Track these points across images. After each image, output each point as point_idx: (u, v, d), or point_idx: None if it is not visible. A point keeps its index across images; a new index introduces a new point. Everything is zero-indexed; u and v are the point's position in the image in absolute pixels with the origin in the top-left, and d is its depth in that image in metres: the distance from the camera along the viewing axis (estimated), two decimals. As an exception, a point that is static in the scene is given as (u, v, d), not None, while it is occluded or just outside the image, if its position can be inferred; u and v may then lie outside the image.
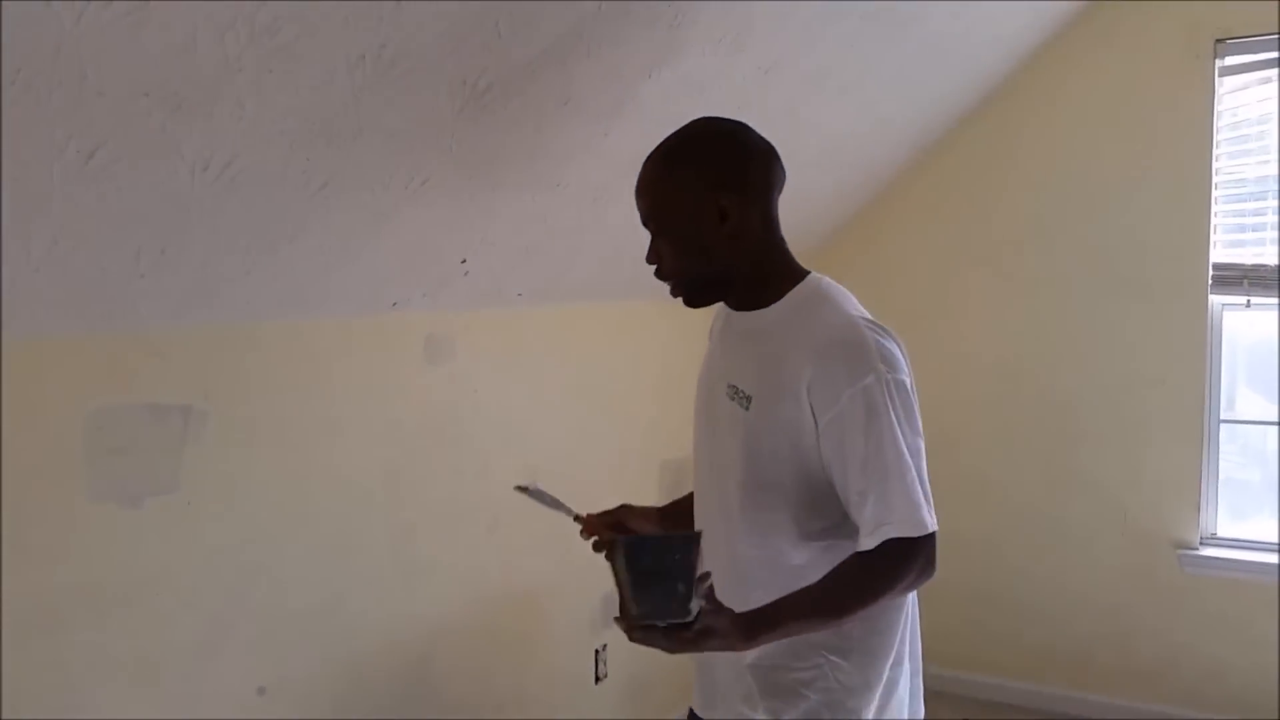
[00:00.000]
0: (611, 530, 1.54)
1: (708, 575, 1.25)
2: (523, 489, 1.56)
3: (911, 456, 1.32)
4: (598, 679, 2.84)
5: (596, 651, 2.84)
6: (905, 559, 1.32)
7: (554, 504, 1.57)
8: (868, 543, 1.31)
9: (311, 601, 1.98)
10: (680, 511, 1.64)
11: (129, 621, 1.66)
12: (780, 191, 1.45)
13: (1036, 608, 3.51)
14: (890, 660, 1.44)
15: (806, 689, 1.41)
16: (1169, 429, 3.27)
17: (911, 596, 1.48)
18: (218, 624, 1.81)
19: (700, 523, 1.53)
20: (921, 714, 1.53)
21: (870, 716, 1.41)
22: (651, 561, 1.20)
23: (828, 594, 1.32)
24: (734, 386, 1.43)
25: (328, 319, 2.01)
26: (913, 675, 1.51)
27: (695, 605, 1.20)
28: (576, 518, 1.57)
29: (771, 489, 1.40)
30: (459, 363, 2.33)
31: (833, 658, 1.40)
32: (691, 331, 3.41)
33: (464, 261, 2.12)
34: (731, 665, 1.47)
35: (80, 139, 1.23)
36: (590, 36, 1.71)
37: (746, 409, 1.40)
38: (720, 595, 1.28)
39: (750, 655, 1.41)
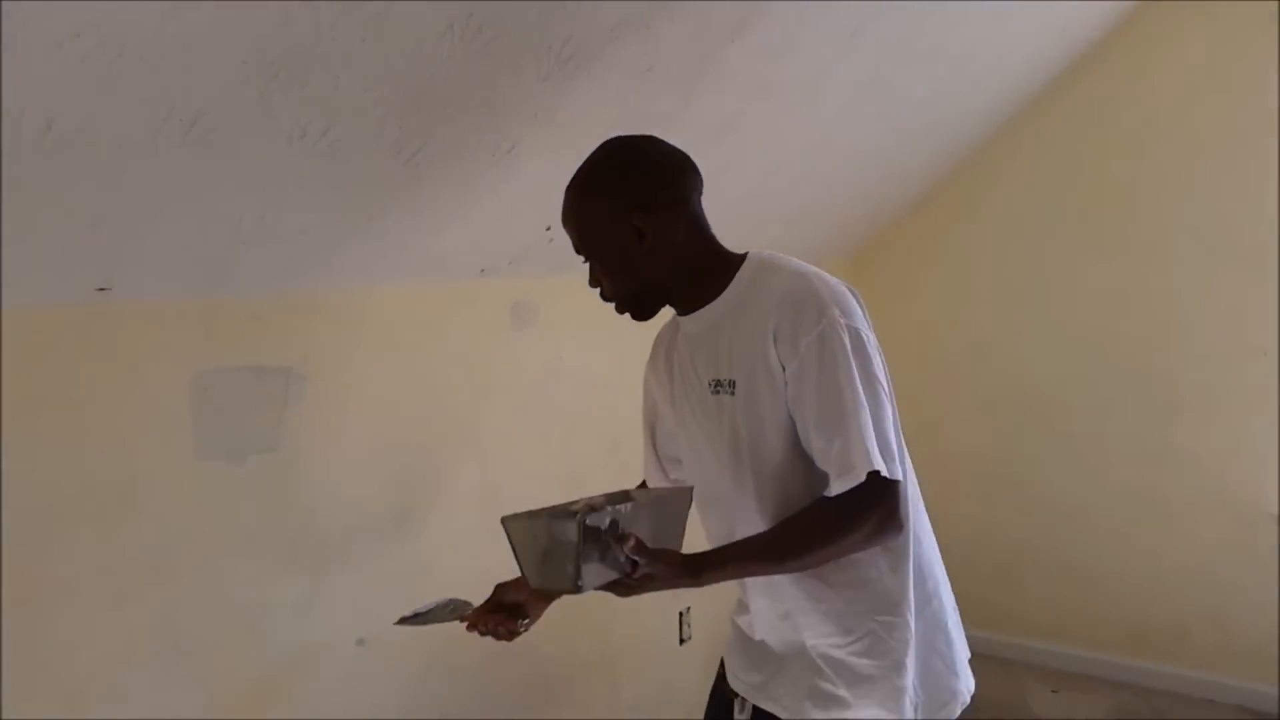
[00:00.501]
0: (495, 611, 1.55)
1: (629, 536, 1.28)
2: (404, 621, 1.56)
3: (870, 403, 1.33)
4: (682, 640, 2.87)
5: (680, 614, 2.87)
6: (862, 506, 1.33)
7: (440, 617, 1.56)
8: (833, 488, 1.34)
9: (405, 559, 2.04)
10: None
11: (234, 573, 1.75)
12: (699, 194, 1.49)
13: (1133, 581, 3.42)
14: (923, 595, 1.47)
15: (868, 658, 1.43)
16: (1271, 400, 3.15)
17: (914, 539, 1.46)
18: (317, 578, 1.88)
19: (718, 541, 1.52)
20: (967, 654, 1.57)
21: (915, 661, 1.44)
22: (533, 541, 1.30)
23: (779, 537, 1.37)
24: (715, 380, 1.46)
25: (418, 285, 2.06)
26: (953, 611, 1.55)
27: (584, 581, 1.25)
28: (461, 619, 1.56)
29: (781, 465, 1.42)
30: (543, 329, 2.37)
31: (879, 618, 1.43)
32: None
33: (548, 229, 2.15)
34: (789, 663, 1.50)
35: (183, 108, 1.28)
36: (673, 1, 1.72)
37: (734, 394, 1.43)
38: (762, 587, 1.44)
39: (806, 648, 1.46)
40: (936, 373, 3.78)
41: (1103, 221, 3.38)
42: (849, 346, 1.33)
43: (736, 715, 1.60)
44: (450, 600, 1.59)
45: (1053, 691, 3.40)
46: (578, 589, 1.26)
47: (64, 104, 1.16)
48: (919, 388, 3.81)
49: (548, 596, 1.54)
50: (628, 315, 1.51)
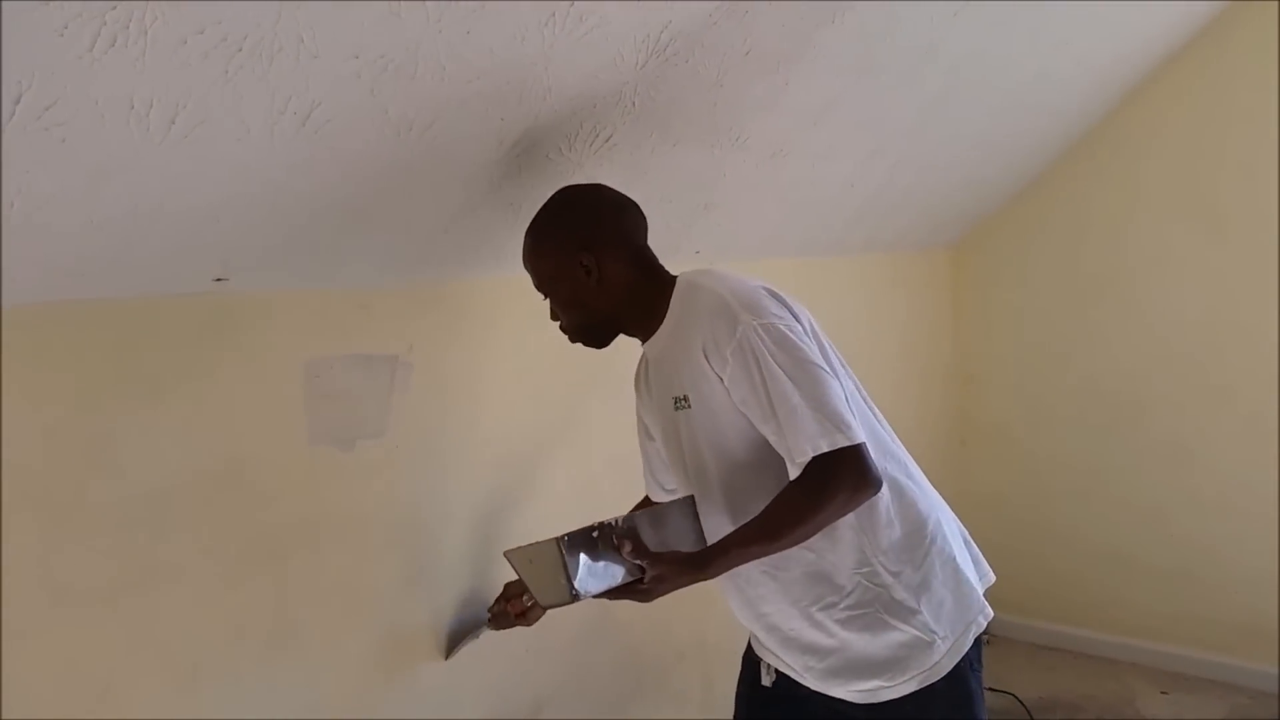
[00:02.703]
0: (511, 605, 1.86)
1: (624, 542, 1.42)
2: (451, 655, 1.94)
3: (800, 384, 1.43)
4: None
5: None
6: (827, 477, 1.42)
7: (472, 635, 1.94)
8: (793, 472, 1.45)
9: (501, 544, 2.06)
10: None
11: (340, 556, 1.80)
12: (643, 232, 1.65)
13: (1246, 581, 3.28)
14: (912, 538, 1.55)
15: (861, 606, 1.53)
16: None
17: (903, 474, 1.59)
18: (418, 561, 1.93)
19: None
20: (991, 577, 1.68)
21: (917, 588, 1.53)
22: (530, 565, 1.47)
23: (766, 521, 1.46)
24: (675, 398, 1.59)
25: (517, 276, 2.08)
26: (966, 544, 1.65)
27: (579, 588, 1.39)
28: (497, 616, 1.90)
29: (750, 464, 1.53)
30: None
31: (863, 569, 1.53)
32: (873, 290, 3.36)
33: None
34: (783, 634, 1.60)
35: (298, 101, 1.32)
36: (773, -18, 1.70)
37: (690, 407, 1.55)
38: (753, 583, 1.56)
39: (792, 622, 1.58)
40: (1040, 366, 3.67)
41: (1218, 204, 3.24)
42: (767, 343, 1.45)
43: (763, 679, 1.71)
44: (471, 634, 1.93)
45: (1162, 693, 3.28)
46: (575, 597, 1.39)
47: (188, 97, 1.20)
48: (1022, 381, 3.71)
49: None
50: (583, 345, 1.67)
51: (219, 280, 1.58)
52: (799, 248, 2.88)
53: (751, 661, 1.76)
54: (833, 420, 1.42)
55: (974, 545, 1.69)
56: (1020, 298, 3.70)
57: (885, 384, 3.30)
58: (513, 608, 1.86)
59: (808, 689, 1.63)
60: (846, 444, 1.41)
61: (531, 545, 1.46)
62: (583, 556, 1.40)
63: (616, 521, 1.45)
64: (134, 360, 1.51)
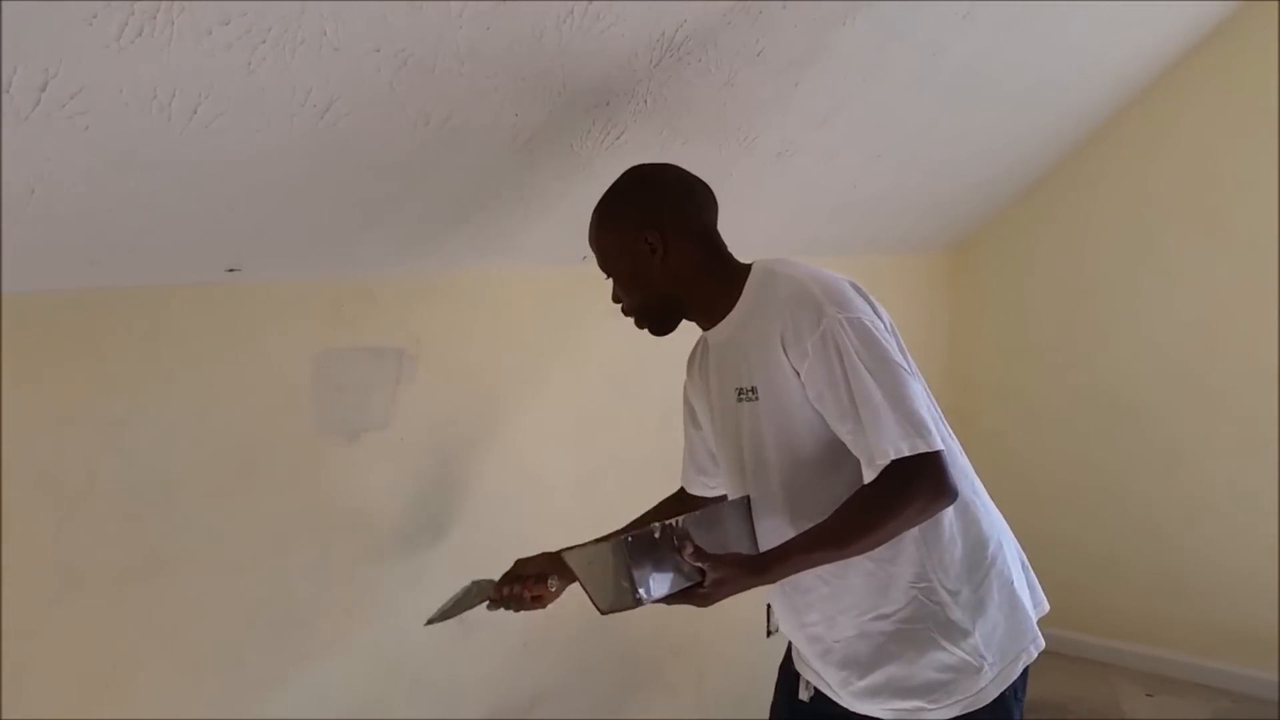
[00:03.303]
0: (527, 587, 1.71)
1: (685, 544, 1.36)
2: (433, 621, 1.73)
3: (883, 383, 1.38)
4: (769, 633, 2.87)
5: (768, 605, 2.87)
6: (905, 482, 1.37)
7: (468, 604, 1.74)
8: (868, 475, 1.41)
9: (505, 536, 2.08)
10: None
11: (346, 547, 1.80)
12: (712, 214, 1.59)
13: (1233, 585, 3.31)
14: (973, 557, 1.51)
15: (913, 622, 1.48)
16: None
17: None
18: (423, 554, 1.94)
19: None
20: (1046, 606, 1.63)
21: (970, 612, 1.49)
22: (588, 571, 1.39)
23: (834, 525, 1.40)
24: (739, 389, 1.53)
25: (525, 270, 2.09)
26: (1024, 570, 1.61)
27: (643, 592, 1.33)
28: (488, 601, 1.74)
29: (809, 465, 1.48)
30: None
31: (920, 584, 1.47)
32: (873, 291, 3.37)
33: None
34: (828, 652, 1.55)
35: (318, 92, 1.32)
36: (787, -18, 1.71)
37: (757, 399, 1.50)
38: (802, 589, 1.51)
39: (837, 632, 1.52)
40: (1036, 370, 3.70)
41: (1216, 212, 3.26)
42: (852, 338, 1.39)
43: (801, 694, 1.67)
44: (473, 583, 1.74)
45: (1148, 695, 3.31)
46: (638, 602, 1.34)
47: (211, 88, 1.20)
48: (1018, 385, 3.74)
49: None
50: (647, 331, 1.60)
51: (232, 271, 1.59)
52: (801, 248, 2.89)
53: (790, 674, 1.71)
54: (914, 423, 1.37)
55: (1031, 572, 1.64)
56: (1018, 301, 3.73)
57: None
58: (529, 589, 1.71)
59: (844, 708, 1.58)
60: (927, 450, 1.36)
61: (591, 546, 1.40)
62: (645, 560, 1.34)
63: (677, 523, 1.38)
64: (147, 349, 1.51)
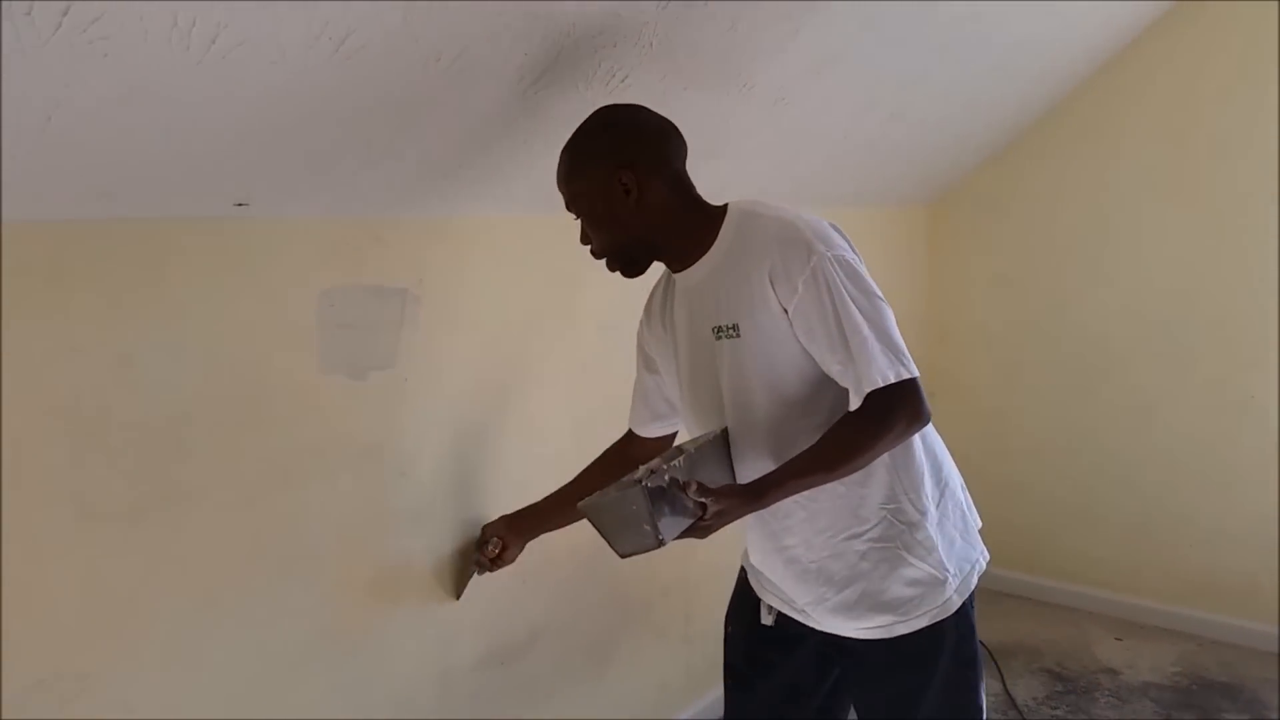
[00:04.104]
0: (508, 535, 1.97)
1: (690, 482, 1.40)
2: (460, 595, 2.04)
3: (869, 317, 1.45)
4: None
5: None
6: (889, 408, 1.44)
7: (474, 573, 2.03)
8: (855, 403, 1.46)
9: (509, 479, 2.12)
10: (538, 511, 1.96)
11: (352, 483, 1.83)
12: (683, 158, 1.61)
13: (1201, 533, 3.42)
14: (934, 479, 1.61)
15: (883, 541, 1.56)
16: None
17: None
18: (427, 492, 1.97)
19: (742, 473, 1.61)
20: (979, 522, 1.71)
21: (936, 528, 1.58)
22: (608, 519, 1.43)
23: (824, 450, 1.47)
24: (718, 327, 1.56)
25: (526, 216, 2.10)
26: (963, 489, 1.70)
27: (664, 533, 1.39)
28: (478, 563, 2.01)
29: (792, 398, 1.53)
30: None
31: (890, 505, 1.56)
32: (853, 242, 3.40)
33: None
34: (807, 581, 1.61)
35: (335, 25, 1.32)
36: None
37: (739, 336, 1.53)
38: (780, 515, 1.56)
39: (814, 553, 1.59)
40: (1010, 325, 3.77)
41: (1188, 174, 3.32)
42: (840, 274, 1.45)
43: (764, 618, 1.72)
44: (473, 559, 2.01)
45: (1117, 639, 3.42)
46: (660, 543, 1.40)
47: (230, 17, 1.20)
48: (992, 339, 3.81)
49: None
50: (618, 274, 1.62)
51: (240, 205, 1.59)
52: (791, 196, 2.92)
53: (749, 601, 1.76)
54: (896, 353, 1.44)
55: (967, 490, 1.72)
56: (994, 256, 3.78)
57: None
58: (484, 554, 1.97)
59: (810, 627, 1.65)
60: (909, 376, 1.44)
61: (610, 495, 1.44)
62: (660, 502, 1.39)
63: (680, 463, 1.44)
64: (157, 282, 1.51)
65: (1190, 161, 3.31)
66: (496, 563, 1.97)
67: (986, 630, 3.31)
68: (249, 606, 1.68)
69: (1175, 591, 3.49)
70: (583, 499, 1.48)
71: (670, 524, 1.41)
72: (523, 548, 1.99)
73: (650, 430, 1.84)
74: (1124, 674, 3.20)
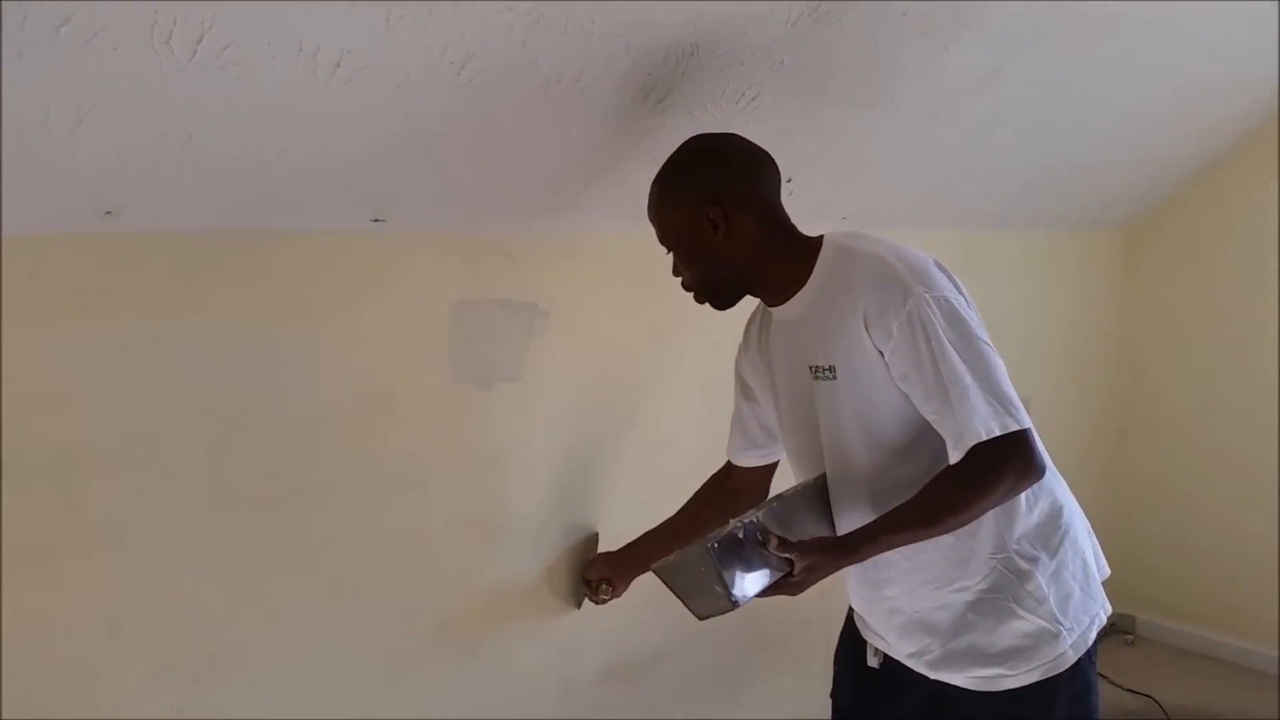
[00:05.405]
0: (615, 577, 1.97)
1: (771, 537, 1.36)
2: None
3: (971, 364, 1.36)
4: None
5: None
6: (993, 463, 1.36)
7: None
8: (954, 456, 1.37)
9: (629, 494, 2.13)
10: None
11: (476, 490, 1.89)
12: (776, 187, 1.55)
13: None
14: (1051, 525, 1.50)
15: (992, 593, 1.47)
16: None
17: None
18: (552, 500, 2.01)
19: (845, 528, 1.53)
20: (1108, 571, 1.60)
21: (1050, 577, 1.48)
22: (679, 581, 1.38)
23: (923, 505, 1.39)
24: (814, 367, 1.50)
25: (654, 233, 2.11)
26: (1090, 535, 1.58)
27: (737, 594, 1.33)
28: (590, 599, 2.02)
29: (891, 444, 1.46)
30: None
31: (999, 555, 1.47)
32: (1035, 269, 3.22)
33: (789, 180, 2.13)
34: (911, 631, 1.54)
35: (454, 50, 1.38)
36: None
37: (835, 378, 1.47)
38: (882, 565, 1.47)
39: (918, 604, 1.51)
40: (1200, 362, 3.44)
41: None
42: (939, 317, 1.37)
43: (870, 660, 1.66)
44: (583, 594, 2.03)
45: None
46: (734, 604, 1.34)
47: (353, 43, 1.28)
48: (1186, 372, 3.49)
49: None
50: (707, 305, 1.58)
51: (377, 221, 1.68)
52: (954, 219, 2.80)
53: (855, 642, 1.71)
54: (1003, 403, 1.36)
55: (1095, 537, 1.61)
56: (1195, 285, 3.47)
57: (1045, 368, 3.19)
58: (598, 598, 2.00)
59: (919, 674, 1.57)
60: (1017, 428, 1.35)
61: (679, 556, 1.38)
62: (733, 560, 1.33)
63: (757, 518, 1.39)
64: (297, 290, 1.62)
65: None
66: (602, 601, 2.01)
67: (1168, 691, 3.06)
68: (373, 601, 1.76)
69: None
70: (677, 535, 1.46)
71: (748, 581, 1.35)
72: (630, 582, 1.98)
73: (747, 459, 1.79)
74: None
